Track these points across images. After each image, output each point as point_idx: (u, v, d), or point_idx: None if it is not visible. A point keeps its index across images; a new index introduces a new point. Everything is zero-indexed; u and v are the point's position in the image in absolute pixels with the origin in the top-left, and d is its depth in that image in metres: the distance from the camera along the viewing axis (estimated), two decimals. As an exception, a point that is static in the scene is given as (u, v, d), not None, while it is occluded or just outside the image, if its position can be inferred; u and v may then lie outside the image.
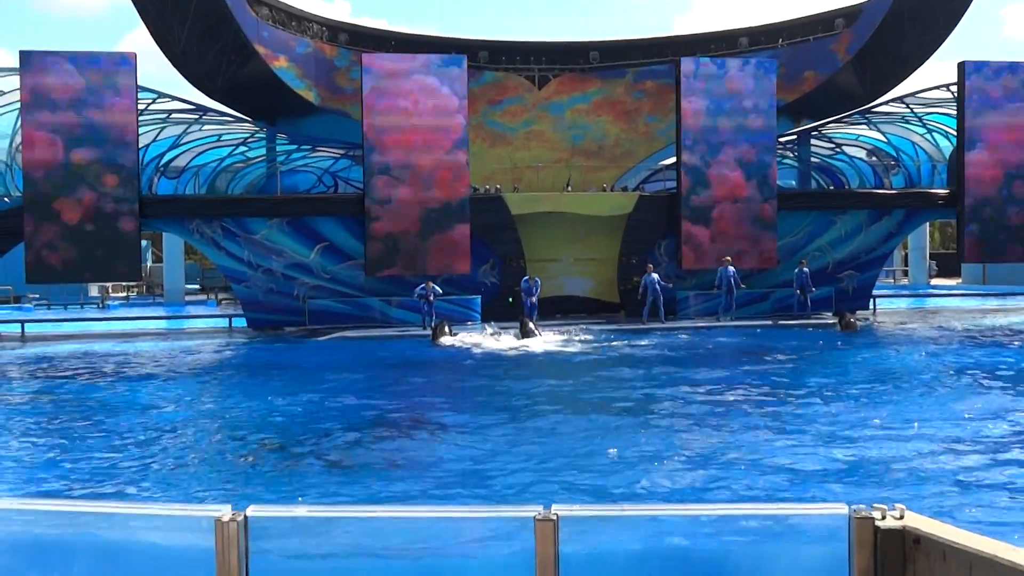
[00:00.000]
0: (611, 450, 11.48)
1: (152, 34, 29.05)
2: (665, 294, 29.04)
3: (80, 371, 20.39)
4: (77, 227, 27.15)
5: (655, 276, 28.89)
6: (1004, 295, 39.08)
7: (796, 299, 30.14)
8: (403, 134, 28.64)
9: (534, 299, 27.89)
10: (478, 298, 29.40)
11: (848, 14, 33.10)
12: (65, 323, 32.62)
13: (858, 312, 30.21)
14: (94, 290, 44.20)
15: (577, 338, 25.00)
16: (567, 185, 32.08)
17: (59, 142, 27.05)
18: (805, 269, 29.84)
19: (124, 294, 48.48)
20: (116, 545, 4.51)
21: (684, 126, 30.09)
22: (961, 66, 31.30)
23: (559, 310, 30.08)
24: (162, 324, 32.91)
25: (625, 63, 34.24)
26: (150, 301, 44.76)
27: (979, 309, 34.51)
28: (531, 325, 25.45)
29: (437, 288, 27.86)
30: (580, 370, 19.79)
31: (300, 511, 4.67)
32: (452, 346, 24.24)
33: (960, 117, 31.33)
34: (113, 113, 27.32)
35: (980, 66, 31.34)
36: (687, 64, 30.26)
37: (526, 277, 28.56)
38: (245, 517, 4.45)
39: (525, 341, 24.34)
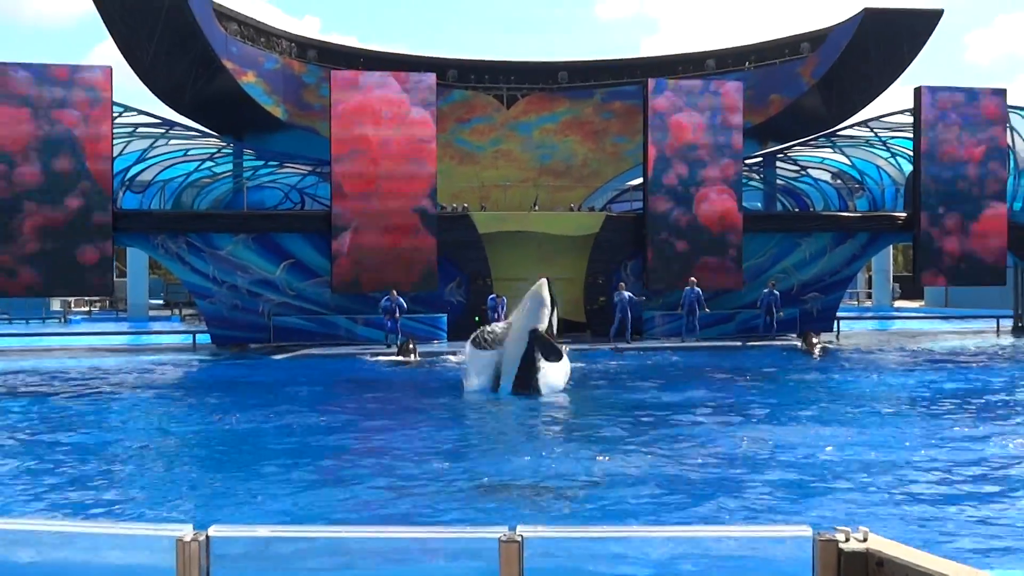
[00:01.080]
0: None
1: (119, 47, 28.90)
2: (634, 311, 29.08)
3: (35, 388, 20.17)
4: (48, 241, 26.86)
5: (627, 295, 28.93)
6: (965, 318, 39.48)
7: (762, 320, 30.25)
8: (371, 150, 28.56)
9: (500, 317, 27.87)
10: (444, 316, 29.34)
11: (814, 38, 33.46)
12: (26, 338, 32.29)
13: (823, 334, 30.42)
14: (56, 304, 43.79)
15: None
16: (534, 204, 32.14)
17: (32, 153, 26.78)
18: (775, 291, 29.97)
19: (87, 309, 48.06)
20: (76, 565, 4.46)
21: (651, 148, 30.21)
22: (918, 91, 31.63)
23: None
24: (125, 340, 32.64)
25: (593, 84, 34.43)
26: (113, 316, 44.38)
27: (939, 332, 34.82)
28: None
29: (402, 301, 27.59)
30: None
31: (263, 531, 4.64)
32: (407, 363, 24.37)
33: (916, 141, 31.64)
34: (88, 125, 27.04)
35: (936, 91, 31.67)
36: (655, 85, 30.44)
37: (492, 295, 28.55)
38: (207, 537, 4.41)
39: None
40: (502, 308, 27.97)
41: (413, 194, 28.70)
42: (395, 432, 14.74)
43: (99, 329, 35.26)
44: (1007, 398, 18.34)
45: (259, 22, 31.49)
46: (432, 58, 33.24)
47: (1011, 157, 33.33)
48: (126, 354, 28.04)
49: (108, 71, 27.39)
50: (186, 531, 4.39)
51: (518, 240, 30.40)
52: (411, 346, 25.65)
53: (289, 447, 13.40)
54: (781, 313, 30.00)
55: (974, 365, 23.95)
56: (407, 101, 28.78)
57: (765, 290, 30.14)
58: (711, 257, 30.25)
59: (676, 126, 30.20)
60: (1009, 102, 32.32)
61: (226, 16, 29.98)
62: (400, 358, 25.10)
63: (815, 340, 27.40)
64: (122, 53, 28.94)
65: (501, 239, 30.17)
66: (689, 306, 29.38)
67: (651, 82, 30.58)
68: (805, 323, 30.86)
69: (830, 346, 28.54)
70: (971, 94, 31.89)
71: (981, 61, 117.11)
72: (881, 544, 4.55)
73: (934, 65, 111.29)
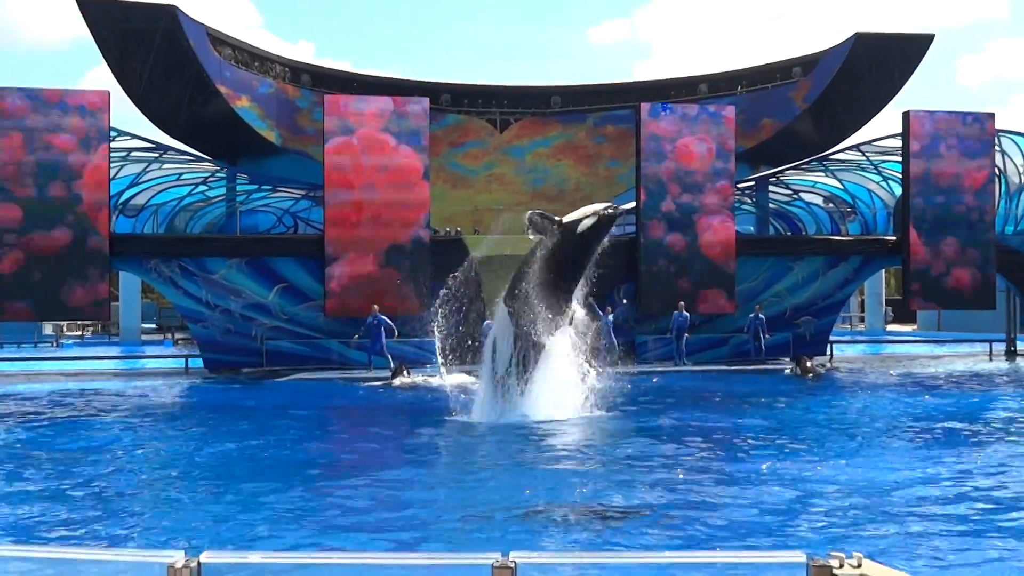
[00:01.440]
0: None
1: (113, 71, 28.92)
2: (622, 335, 29.01)
3: (25, 412, 20.09)
4: (46, 265, 26.84)
5: (611, 318, 28.91)
6: (958, 342, 39.49)
7: (751, 345, 30.28)
8: (365, 176, 28.58)
9: None
10: (436, 340, 29.18)
11: (806, 63, 33.58)
12: (17, 362, 32.18)
13: (816, 358, 30.42)
14: (48, 328, 43.68)
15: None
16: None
17: (29, 177, 26.76)
18: (761, 315, 30.02)
19: (79, 333, 47.97)
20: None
21: (643, 171, 30.25)
22: (906, 115, 31.74)
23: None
24: (117, 364, 32.53)
25: (586, 108, 34.48)
26: (105, 340, 44.27)
27: (932, 356, 34.84)
28: None
29: (388, 321, 27.32)
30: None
31: (255, 557, 4.62)
32: (401, 387, 24.28)
33: (905, 164, 31.74)
34: (86, 151, 27.01)
35: (926, 114, 31.78)
36: (648, 109, 30.50)
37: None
38: (199, 563, 4.38)
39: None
40: None
41: (407, 220, 28.71)
42: (389, 458, 14.70)
43: (91, 353, 35.16)
44: (1005, 424, 18.29)
45: (253, 47, 31.54)
46: (425, 82, 33.29)
47: (1002, 181, 33.49)
48: (118, 378, 27.94)
49: (107, 95, 27.45)
50: (177, 557, 4.37)
51: (511, 264, 30.33)
52: (405, 370, 25.54)
53: (284, 473, 13.34)
54: (768, 336, 30.03)
55: (970, 390, 23.88)
56: (401, 128, 28.84)
57: (751, 315, 30.19)
58: (704, 281, 30.29)
59: (669, 150, 30.27)
60: (999, 126, 32.50)
61: (220, 41, 30.03)
62: (395, 382, 24.97)
63: (809, 364, 27.28)
64: (116, 77, 28.96)
65: (495, 263, 30.14)
66: (678, 331, 29.43)
67: (644, 106, 30.67)
68: (798, 347, 30.85)
69: (822, 370, 28.43)
70: (965, 118, 32.04)
71: (971, 85, 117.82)
72: (876, 570, 4.54)
73: (925, 89, 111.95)
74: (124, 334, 42.57)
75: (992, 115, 32.38)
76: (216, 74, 29.42)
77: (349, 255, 28.31)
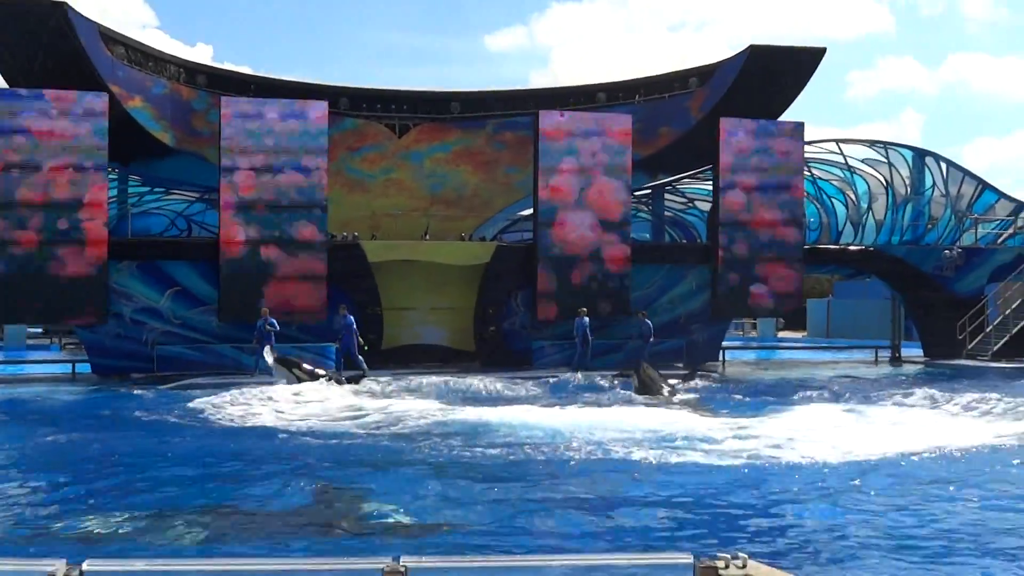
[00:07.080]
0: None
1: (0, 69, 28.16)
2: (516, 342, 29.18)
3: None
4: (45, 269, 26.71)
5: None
6: (846, 348, 40.51)
7: (639, 350, 29.75)
8: (260, 178, 28.34)
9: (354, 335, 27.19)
10: (333, 346, 29.01)
11: (702, 73, 34.05)
12: None
13: (708, 364, 30.85)
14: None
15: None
16: (425, 234, 32.11)
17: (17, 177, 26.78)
18: (647, 320, 29.79)
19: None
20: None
21: (541, 178, 30.53)
22: (718, 124, 32.19)
23: (415, 359, 30.07)
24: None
25: (485, 114, 34.52)
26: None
27: (818, 362, 35.63)
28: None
29: (274, 321, 26.68)
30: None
31: (138, 565, 4.53)
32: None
33: (715, 172, 32.30)
34: (83, 152, 27.21)
35: (738, 124, 32.28)
36: (546, 117, 30.79)
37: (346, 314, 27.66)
38: (81, 571, 4.30)
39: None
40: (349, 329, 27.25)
41: (302, 223, 28.56)
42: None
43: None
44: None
45: (147, 46, 30.90)
46: (324, 86, 32.93)
47: (889, 192, 34.48)
48: (19, 386, 27.15)
49: (105, 97, 27.33)
50: (59, 566, 4.27)
51: (409, 270, 30.35)
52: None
53: (180, 481, 13.12)
54: (652, 340, 29.79)
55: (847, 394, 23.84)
56: (298, 132, 28.73)
57: (636, 320, 30.15)
58: (601, 286, 30.62)
59: (566, 157, 30.61)
60: (887, 138, 33.40)
61: (112, 39, 29.36)
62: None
63: (651, 375, 24.13)
64: (2, 74, 28.19)
65: (391, 268, 30.09)
66: (582, 336, 29.43)
67: (542, 113, 30.92)
68: (692, 354, 31.34)
69: (677, 385, 24.67)
70: (777, 127, 32.70)
71: (861, 99, 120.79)
72: (760, 571, 4.63)
73: (817, 102, 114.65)
74: (8, 339, 41.33)
75: (802, 124, 33.03)
76: (108, 73, 28.77)
77: (246, 249, 28.04)
